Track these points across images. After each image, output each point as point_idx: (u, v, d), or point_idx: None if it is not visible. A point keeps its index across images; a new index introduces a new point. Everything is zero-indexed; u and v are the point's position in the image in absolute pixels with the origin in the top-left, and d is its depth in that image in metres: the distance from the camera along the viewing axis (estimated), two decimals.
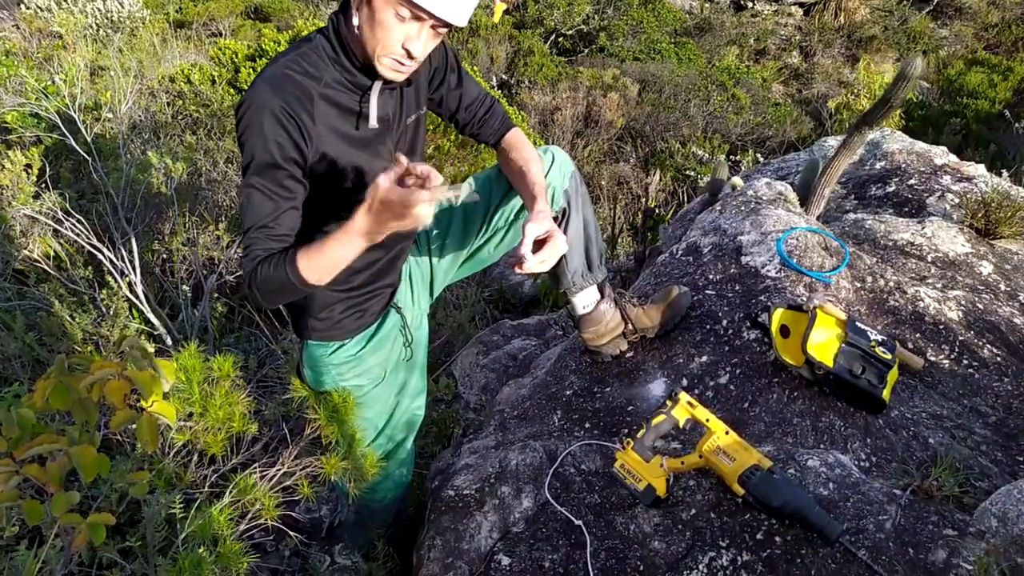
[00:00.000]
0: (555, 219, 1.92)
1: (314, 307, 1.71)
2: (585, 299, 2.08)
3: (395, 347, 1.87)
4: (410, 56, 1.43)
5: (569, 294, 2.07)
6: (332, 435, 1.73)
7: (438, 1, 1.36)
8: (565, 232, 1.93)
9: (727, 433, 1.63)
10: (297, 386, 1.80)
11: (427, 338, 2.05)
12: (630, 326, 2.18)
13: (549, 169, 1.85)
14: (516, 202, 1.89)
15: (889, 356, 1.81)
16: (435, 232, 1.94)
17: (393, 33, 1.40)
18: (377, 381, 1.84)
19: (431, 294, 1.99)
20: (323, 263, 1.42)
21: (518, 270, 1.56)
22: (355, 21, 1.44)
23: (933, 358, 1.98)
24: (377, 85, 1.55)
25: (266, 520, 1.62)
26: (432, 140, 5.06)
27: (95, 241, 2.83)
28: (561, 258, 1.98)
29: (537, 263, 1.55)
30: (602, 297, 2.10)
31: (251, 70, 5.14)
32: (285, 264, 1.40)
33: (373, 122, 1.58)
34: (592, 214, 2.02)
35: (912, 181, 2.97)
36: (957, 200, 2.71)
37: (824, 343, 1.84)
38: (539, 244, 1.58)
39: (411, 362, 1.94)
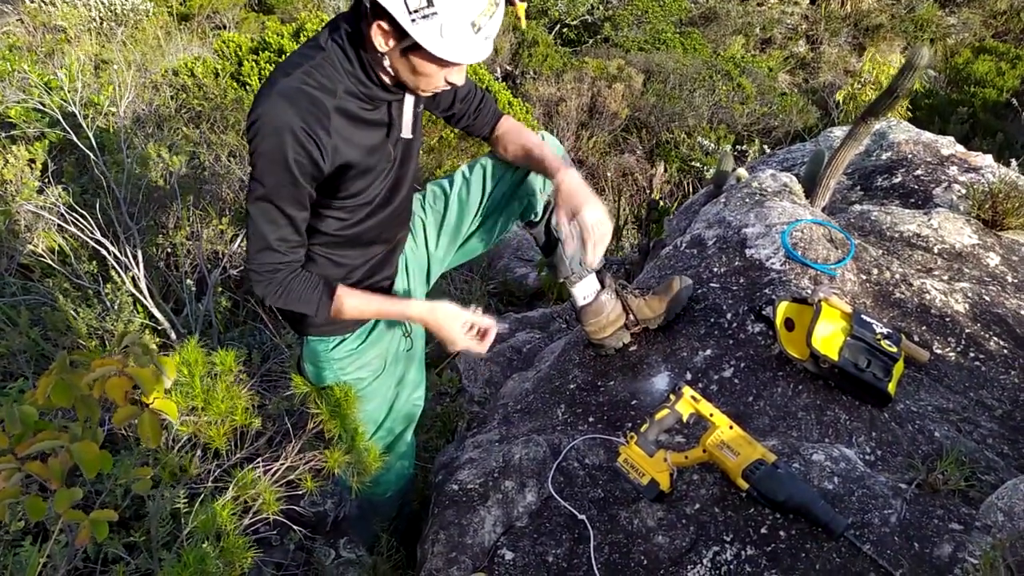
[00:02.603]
0: (547, 206, 1.95)
1: None
2: (585, 289, 2.07)
3: (394, 339, 1.87)
4: (453, 85, 1.53)
5: (568, 284, 2.07)
6: (334, 429, 1.74)
7: (478, 54, 1.44)
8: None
9: (731, 427, 1.63)
10: (298, 382, 1.80)
11: (424, 329, 2.06)
12: (632, 317, 2.17)
13: None
14: (508, 189, 1.91)
15: (895, 349, 1.80)
16: (430, 222, 1.94)
17: (437, 76, 1.48)
18: (377, 374, 1.84)
19: (427, 283, 2.00)
20: (357, 312, 1.63)
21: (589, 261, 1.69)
22: (386, 63, 1.47)
23: (939, 351, 1.97)
24: (410, 100, 1.62)
25: (269, 514, 1.62)
26: (435, 132, 5.06)
27: (99, 236, 2.83)
28: (558, 244, 1.98)
29: (600, 240, 1.66)
30: (602, 288, 2.10)
31: (254, 63, 5.12)
32: (322, 293, 1.58)
33: (407, 132, 1.65)
34: None
35: (918, 172, 2.94)
36: (964, 191, 2.69)
37: (829, 336, 1.83)
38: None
39: (410, 353, 1.94)
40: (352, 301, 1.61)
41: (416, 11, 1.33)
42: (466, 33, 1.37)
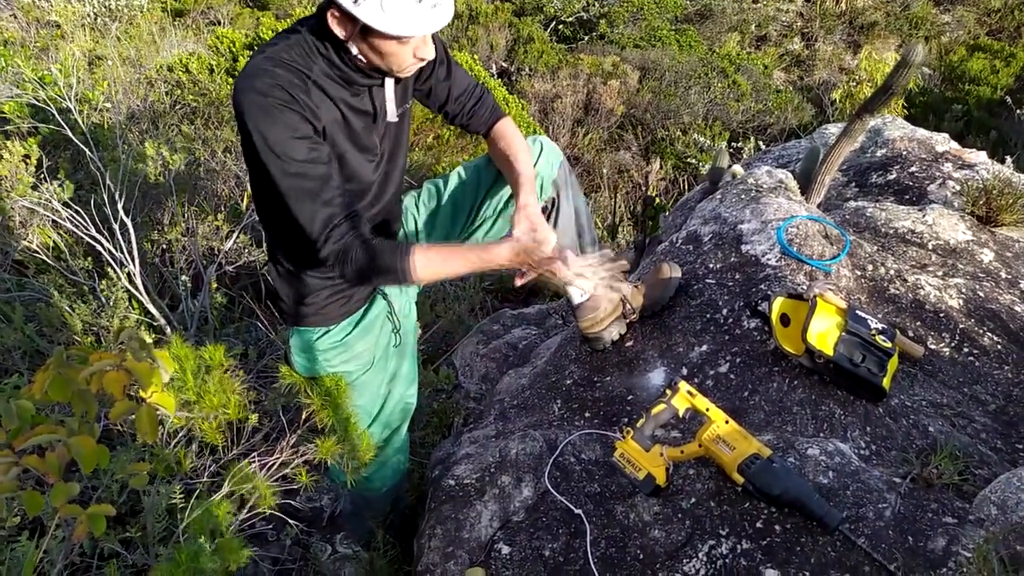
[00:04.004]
0: (544, 209, 1.94)
1: (300, 293, 1.72)
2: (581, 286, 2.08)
3: (383, 333, 1.87)
4: (424, 59, 1.52)
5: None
6: (327, 419, 1.74)
7: (429, 23, 1.42)
8: (556, 220, 1.94)
9: (727, 422, 1.63)
10: (285, 373, 1.81)
11: (415, 326, 2.06)
12: (629, 306, 2.18)
13: (537, 159, 1.85)
14: (505, 192, 1.90)
15: (889, 344, 1.81)
16: (424, 220, 1.94)
17: (402, 54, 1.47)
18: (365, 368, 1.84)
19: None
20: (441, 272, 1.57)
21: (519, 281, 1.64)
22: (354, 51, 1.48)
23: (933, 346, 1.98)
24: (390, 82, 1.61)
25: (265, 510, 1.62)
26: (432, 130, 5.05)
27: (94, 232, 2.82)
28: None
29: (534, 273, 1.62)
30: None
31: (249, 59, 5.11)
32: (399, 257, 1.48)
33: (392, 116, 1.64)
34: (583, 202, 2.02)
35: (913, 168, 2.95)
36: (958, 187, 2.70)
37: (824, 332, 1.83)
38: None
39: (401, 349, 1.94)
40: (434, 257, 1.53)
41: None
42: (407, 3, 1.37)
